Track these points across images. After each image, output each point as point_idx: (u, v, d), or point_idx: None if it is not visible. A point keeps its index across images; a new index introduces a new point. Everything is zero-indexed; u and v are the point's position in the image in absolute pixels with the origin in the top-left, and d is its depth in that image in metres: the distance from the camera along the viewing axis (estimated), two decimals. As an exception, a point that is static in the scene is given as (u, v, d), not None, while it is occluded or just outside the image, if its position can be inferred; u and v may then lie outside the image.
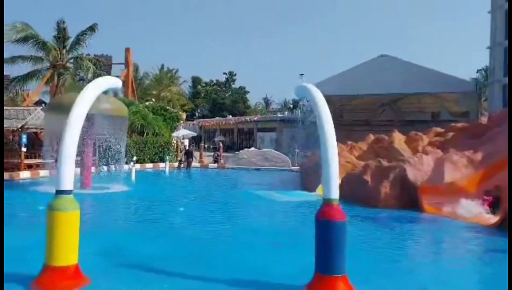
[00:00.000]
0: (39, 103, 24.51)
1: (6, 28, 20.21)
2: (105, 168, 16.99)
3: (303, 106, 49.15)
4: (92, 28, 22.60)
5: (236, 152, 30.45)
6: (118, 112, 14.31)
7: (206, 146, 33.41)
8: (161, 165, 24.54)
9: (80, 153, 21.20)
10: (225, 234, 8.81)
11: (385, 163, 13.49)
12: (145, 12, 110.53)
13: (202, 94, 71.33)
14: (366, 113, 40.35)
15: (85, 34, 22.67)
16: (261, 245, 7.81)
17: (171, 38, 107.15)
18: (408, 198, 12.10)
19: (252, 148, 29.64)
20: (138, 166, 20.83)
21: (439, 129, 17.60)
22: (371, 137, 19.93)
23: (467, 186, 12.29)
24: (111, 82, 6.45)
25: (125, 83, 30.70)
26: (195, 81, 72.21)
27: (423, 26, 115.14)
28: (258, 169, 25.47)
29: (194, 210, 11.61)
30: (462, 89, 33.59)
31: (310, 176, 17.80)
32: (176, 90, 49.38)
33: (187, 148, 29.65)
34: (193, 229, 9.13)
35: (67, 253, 5.20)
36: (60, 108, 13.76)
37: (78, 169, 18.90)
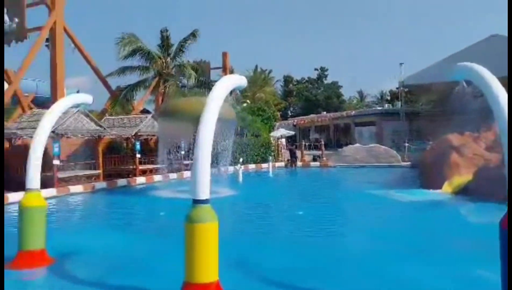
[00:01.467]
0: (144, 111, 25.70)
1: (115, 41, 21.41)
2: (213, 170, 17.04)
3: (404, 97, 46.35)
4: (193, 35, 23.14)
5: (339, 149, 29.27)
6: (226, 114, 14.11)
7: (305, 144, 32.61)
8: (264, 165, 24.34)
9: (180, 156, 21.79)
10: (354, 241, 7.93)
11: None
12: (237, 15, 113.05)
13: (294, 93, 70.81)
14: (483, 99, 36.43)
15: (187, 40, 23.26)
16: (401, 253, 6.81)
17: (262, 39, 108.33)
18: None
19: (357, 144, 28.18)
20: (241, 167, 20.75)
21: None
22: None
23: None
24: (236, 80, 5.99)
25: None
26: (287, 80, 71.90)
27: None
28: (364, 166, 24.08)
29: (313, 214, 10.85)
30: None
31: (431, 171, 16.16)
32: (270, 90, 49.44)
33: (288, 147, 29.20)
34: (318, 237, 8.38)
35: (208, 268, 4.75)
36: (171, 114, 14.03)
37: (189, 173, 19.46)
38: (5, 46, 20.07)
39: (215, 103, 5.31)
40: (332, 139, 50.98)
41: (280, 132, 32.07)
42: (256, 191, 15.58)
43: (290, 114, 68.30)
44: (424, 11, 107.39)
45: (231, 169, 20.21)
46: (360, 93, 76.81)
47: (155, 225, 10.11)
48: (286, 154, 27.19)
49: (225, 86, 5.61)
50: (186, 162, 20.85)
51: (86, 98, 7.28)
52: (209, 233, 4.80)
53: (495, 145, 15.67)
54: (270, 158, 23.53)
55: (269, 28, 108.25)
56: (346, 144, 42.66)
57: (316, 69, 73.41)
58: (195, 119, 14.45)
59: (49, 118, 6.42)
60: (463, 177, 13.76)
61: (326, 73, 72.33)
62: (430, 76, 38.62)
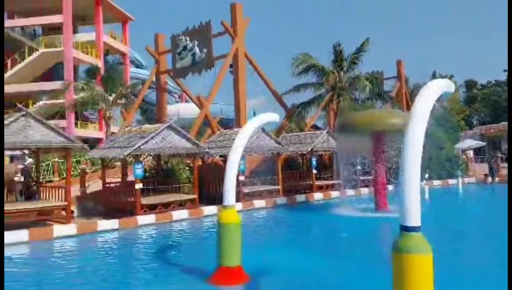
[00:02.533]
0: (313, 127, 25.78)
1: (291, 61, 22.13)
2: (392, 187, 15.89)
3: None
4: (365, 44, 22.49)
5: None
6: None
7: (502, 157, 28.20)
8: (451, 181, 21.78)
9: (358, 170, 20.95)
10: None
11: None
12: (413, 21, 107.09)
13: (479, 98, 62.65)
14: None
15: (360, 52, 22.66)
16: None
17: (438, 42, 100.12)
18: None
19: None
20: (426, 183, 18.83)
21: None
22: None
23: None
24: (443, 85, 5.15)
25: (398, 97, 29.41)
26: (469, 84, 64.24)
27: None
28: None
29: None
30: None
31: None
32: (452, 97, 44.83)
33: (487, 160, 25.70)
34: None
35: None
36: (349, 129, 13.53)
37: (366, 189, 18.64)
38: (196, 74, 22.72)
39: (420, 115, 4.57)
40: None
41: (467, 143, 28.51)
42: (452, 214, 13.73)
43: (475, 122, 60.64)
44: None
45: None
46: None
47: (339, 245, 9.65)
48: (477, 168, 23.88)
49: (431, 93, 4.81)
50: (363, 177, 20.02)
51: (273, 117, 7.33)
52: (420, 267, 4.08)
53: None
54: (459, 172, 20.90)
55: (445, 30, 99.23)
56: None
57: (505, 70, 63.83)
58: (373, 133, 13.70)
59: (243, 138, 6.60)
60: None
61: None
62: None
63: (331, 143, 19.32)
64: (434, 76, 44.71)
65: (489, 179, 22.37)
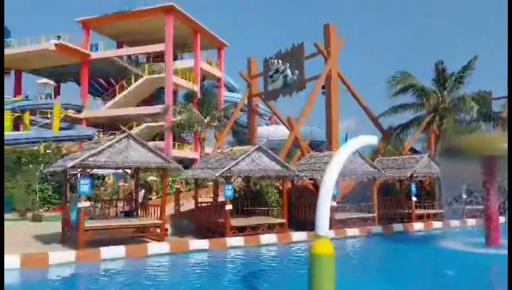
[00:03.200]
0: (412, 151, 24.06)
1: (387, 80, 21.05)
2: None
3: None
4: (472, 63, 20.58)
5: None
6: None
7: None
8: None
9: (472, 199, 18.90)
10: None
11: None
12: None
13: None
14: None
15: (466, 70, 20.77)
16: None
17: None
18: None
19: None
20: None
21: None
22: None
23: None
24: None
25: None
26: None
27: None
28: None
29: None
30: None
31: None
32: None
33: None
34: None
35: None
36: (456, 153, 12.23)
37: (473, 221, 16.73)
38: (287, 96, 22.59)
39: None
40: None
41: None
42: None
43: None
44: None
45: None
46: None
47: (444, 284, 8.47)
48: None
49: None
50: (469, 207, 18.04)
51: (371, 139, 6.78)
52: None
53: None
54: None
55: None
56: None
57: None
58: (483, 158, 12.17)
59: (340, 161, 6.09)
60: None
61: None
62: None
63: (432, 168, 17.75)
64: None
65: None
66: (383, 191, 18.96)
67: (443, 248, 12.30)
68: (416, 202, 17.56)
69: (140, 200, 15.01)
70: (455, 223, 16.40)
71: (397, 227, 15.77)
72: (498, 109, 27.35)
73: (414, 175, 17.45)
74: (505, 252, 11.10)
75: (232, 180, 14.12)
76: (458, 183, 15.74)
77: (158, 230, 12.42)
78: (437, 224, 16.44)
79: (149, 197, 17.12)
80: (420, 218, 17.41)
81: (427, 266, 10.66)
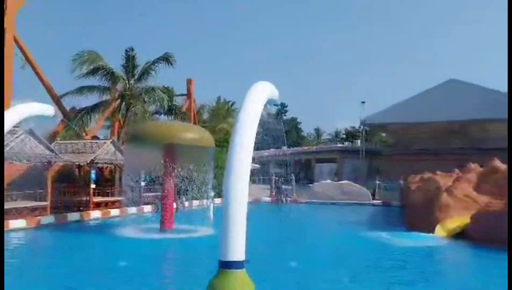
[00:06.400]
0: (94, 138, 23.15)
1: (72, 57, 19.32)
2: (185, 204, 15.11)
3: (365, 135, 46.40)
4: (165, 59, 20.99)
5: (310, 185, 28.15)
6: (204, 141, 12.43)
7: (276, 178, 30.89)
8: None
9: (149, 187, 19.61)
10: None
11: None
12: (202, 44, 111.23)
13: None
14: (435, 141, 36.91)
15: (155, 63, 21.21)
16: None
17: (227, 71, 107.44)
18: None
19: (328, 181, 27.13)
20: (219, 200, 18.86)
21: None
22: (477, 166, 17.06)
23: None
24: (268, 90, 4.42)
25: (187, 115, 29.24)
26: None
27: (492, 49, 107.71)
28: (335, 203, 23.04)
29: (309, 264, 8.60)
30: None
31: (419, 213, 15.08)
32: (232, 122, 48.00)
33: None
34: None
35: None
36: (142, 140, 12.10)
37: (150, 207, 17.30)
38: None
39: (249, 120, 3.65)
40: (294, 174, 49.93)
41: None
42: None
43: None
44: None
45: (196, 203, 18.29)
46: (317, 131, 77.27)
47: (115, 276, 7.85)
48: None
49: (259, 97, 3.97)
50: (146, 194, 18.72)
51: (46, 109, 5.38)
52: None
53: (483, 188, 15.00)
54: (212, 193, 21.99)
55: (234, 60, 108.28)
56: (308, 180, 41.87)
57: (275, 105, 73.26)
58: (165, 146, 12.55)
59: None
60: (458, 220, 12.75)
61: (286, 109, 72.25)
62: (390, 116, 39.20)
63: (116, 154, 17.34)
64: (219, 100, 47.24)
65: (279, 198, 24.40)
66: (60, 177, 17.18)
67: (119, 236, 11.88)
68: (95, 189, 16.70)
69: None
70: (132, 210, 16.52)
71: (73, 216, 14.49)
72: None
73: (95, 161, 16.54)
74: (177, 235, 11.75)
75: None
76: (139, 170, 15.90)
77: None
78: (115, 211, 16.09)
79: None
80: (98, 206, 16.70)
81: (103, 257, 9.87)
